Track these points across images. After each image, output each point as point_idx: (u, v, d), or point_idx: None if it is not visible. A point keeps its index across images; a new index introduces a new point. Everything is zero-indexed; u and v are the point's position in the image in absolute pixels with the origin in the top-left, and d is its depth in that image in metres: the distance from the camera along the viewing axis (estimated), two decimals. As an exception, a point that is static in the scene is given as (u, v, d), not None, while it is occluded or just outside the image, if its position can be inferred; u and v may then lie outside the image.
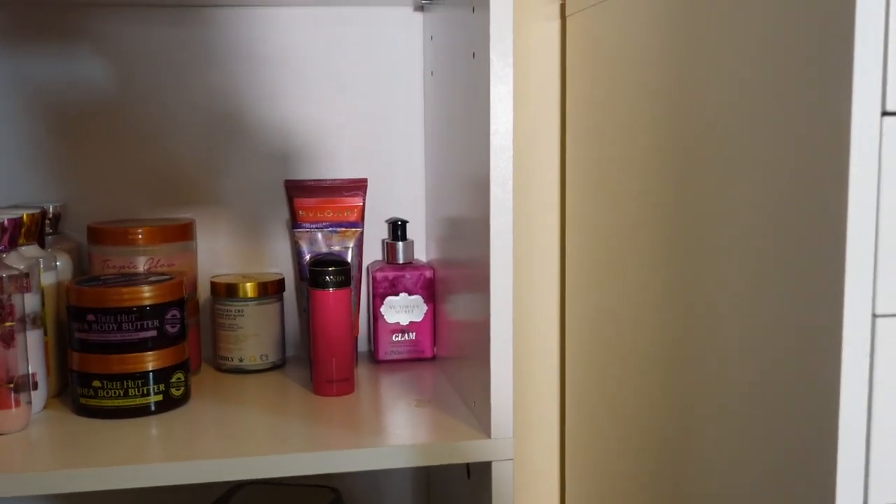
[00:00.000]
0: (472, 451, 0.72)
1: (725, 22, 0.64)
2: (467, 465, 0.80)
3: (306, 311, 0.90)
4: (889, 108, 0.51)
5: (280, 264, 1.01)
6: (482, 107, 0.71)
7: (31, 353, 0.78)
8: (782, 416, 0.58)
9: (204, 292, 0.99)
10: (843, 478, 0.53)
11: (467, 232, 0.80)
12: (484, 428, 0.74)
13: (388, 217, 1.02)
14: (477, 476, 0.78)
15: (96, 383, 0.78)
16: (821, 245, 0.53)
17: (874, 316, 0.52)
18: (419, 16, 1.00)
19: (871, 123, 0.51)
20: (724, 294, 0.66)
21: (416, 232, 1.03)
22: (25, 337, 0.76)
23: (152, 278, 0.82)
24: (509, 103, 0.70)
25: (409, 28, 1.00)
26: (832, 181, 0.52)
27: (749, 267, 0.62)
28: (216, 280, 0.94)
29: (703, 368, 0.70)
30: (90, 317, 0.78)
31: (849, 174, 0.51)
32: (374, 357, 0.98)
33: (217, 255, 1.00)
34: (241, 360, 0.92)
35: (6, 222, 0.76)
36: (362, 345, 1.02)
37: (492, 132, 0.70)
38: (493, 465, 0.72)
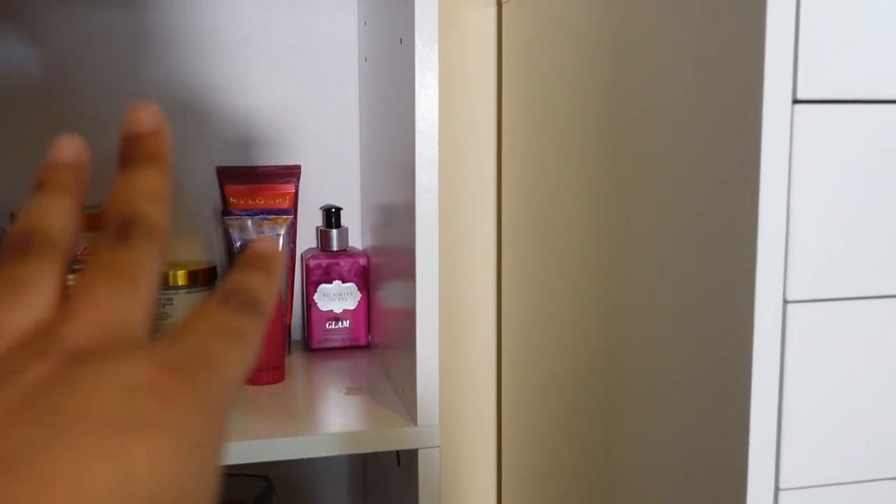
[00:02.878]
0: (399, 438, 0.72)
1: (654, 10, 0.64)
2: (397, 452, 0.80)
3: (237, 299, 0.89)
4: (800, 96, 0.51)
5: (212, 253, 1.00)
6: (408, 93, 0.71)
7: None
8: (698, 399, 0.59)
9: (134, 280, 0.97)
10: (755, 461, 0.54)
11: (397, 219, 0.79)
12: (411, 415, 0.74)
13: (323, 204, 1.01)
14: (406, 463, 0.77)
15: (17, 373, 0.76)
16: (734, 232, 0.54)
17: (785, 302, 0.53)
18: (353, 1, 0.99)
19: (782, 111, 0.51)
20: (646, 280, 0.66)
21: (351, 219, 1.02)
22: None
23: (76, 266, 0.80)
24: (435, 89, 0.69)
25: (345, 14, 0.99)
26: (744, 168, 0.53)
27: (668, 253, 0.62)
28: (146, 268, 0.92)
29: (631, 355, 0.70)
30: (10, 305, 0.76)
31: (760, 161, 0.51)
32: (308, 345, 0.97)
33: (148, 242, 0.98)
34: (171, 349, 0.91)
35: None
36: (297, 333, 1.02)
37: (417, 118, 0.69)
38: (420, 453, 0.72)
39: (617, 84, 0.70)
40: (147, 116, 0.31)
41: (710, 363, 0.57)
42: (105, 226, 0.28)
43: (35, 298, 0.27)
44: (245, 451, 0.70)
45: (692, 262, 0.59)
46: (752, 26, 0.51)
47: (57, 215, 0.29)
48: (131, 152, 0.30)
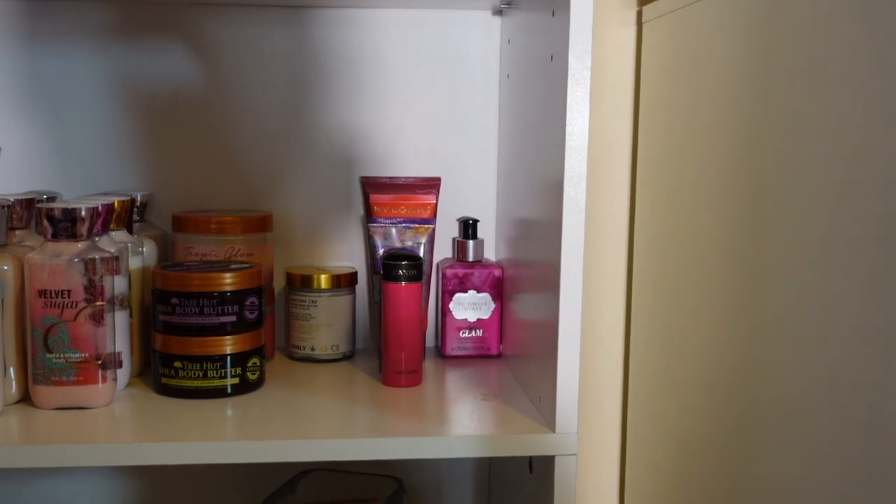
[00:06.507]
0: (537, 444, 0.73)
1: (804, 34, 0.64)
2: (530, 460, 0.82)
3: (378, 303, 0.93)
4: (968, 117, 0.51)
5: (352, 258, 1.04)
6: (558, 108, 0.73)
7: (118, 333, 0.81)
8: (847, 417, 0.58)
9: (279, 283, 1.02)
10: (910, 484, 0.53)
11: (538, 232, 0.81)
12: (548, 422, 0.75)
13: (459, 216, 1.04)
14: (539, 471, 0.79)
15: (177, 364, 0.82)
16: (890, 238, 0.54)
17: (946, 324, 0.52)
18: (497, 19, 1.02)
19: (949, 132, 0.51)
20: (794, 295, 0.66)
21: (486, 232, 1.05)
22: (114, 317, 0.80)
23: (233, 266, 0.85)
24: (585, 105, 0.71)
25: (487, 32, 1.02)
26: (908, 189, 0.52)
27: (815, 265, 0.62)
28: (291, 271, 0.97)
29: (772, 370, 0.70)
30: (174, 300, 0.81)
31: (925, 182, 0.51)
32: (440, 352, 1.00)
33: (291, 247, 1.03)
34: (312, 350, 0.95)
35: (100, 207, 0.80)
36: (429, 340, 1.05)
37: (567, 133, 0.71)
38: (557, 460, 0.74)
39: (760, 102, 0.70)
40: None
41: (860, 378, 0.57)
42: None
43: None
44: (385, 447, 0.72)
45: (842, 272, 0.59)
46: (921, 47, 0.51)
47: None
48: None
